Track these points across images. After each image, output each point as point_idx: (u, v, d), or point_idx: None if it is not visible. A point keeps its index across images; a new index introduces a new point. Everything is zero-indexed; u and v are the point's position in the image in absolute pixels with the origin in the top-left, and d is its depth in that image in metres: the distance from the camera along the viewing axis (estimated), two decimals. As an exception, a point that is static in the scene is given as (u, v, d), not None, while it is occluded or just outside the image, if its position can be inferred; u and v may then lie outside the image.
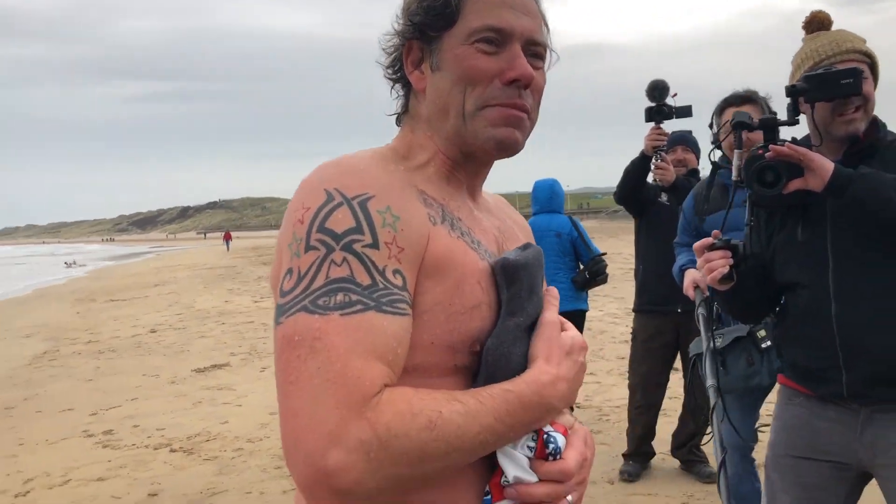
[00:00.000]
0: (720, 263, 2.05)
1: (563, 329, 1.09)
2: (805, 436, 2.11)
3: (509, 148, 1.08)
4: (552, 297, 1.12)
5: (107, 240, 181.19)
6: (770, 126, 2.07)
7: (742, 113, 2.21)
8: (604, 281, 5.22)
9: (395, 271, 0.93)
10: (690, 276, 3.13)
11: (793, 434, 2.15)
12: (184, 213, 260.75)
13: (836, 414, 2.07)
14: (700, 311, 2.80)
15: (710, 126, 3.45)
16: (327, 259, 0.91)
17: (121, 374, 8.58)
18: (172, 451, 5.46)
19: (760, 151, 2.01)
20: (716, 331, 2.70)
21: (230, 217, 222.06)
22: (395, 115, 1.16)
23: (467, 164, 1.11)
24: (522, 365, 1.01)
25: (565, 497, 1.00)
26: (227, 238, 52.04)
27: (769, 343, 2.61)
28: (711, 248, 2.08)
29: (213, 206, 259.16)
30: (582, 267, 5.21)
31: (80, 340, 11.63)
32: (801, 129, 2.14)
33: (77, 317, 15.27)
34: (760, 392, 3.09)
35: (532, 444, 0.98)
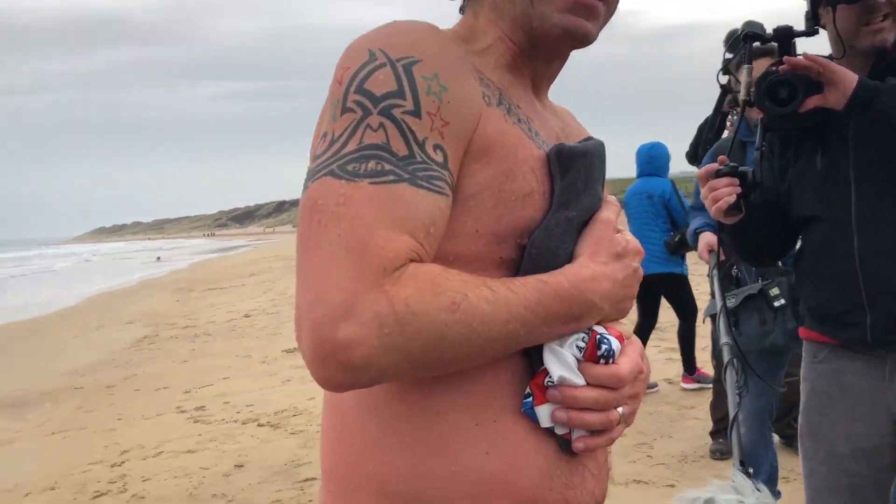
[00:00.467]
0: (726, 192, 1.83)
1: (618, 232, 0.97)
2: (835, 396, 1.89)
3: (580, 39, 0.97)
4: (612, 203, 1.01)
5: (208, 235, 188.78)
6: (785, 36, 1.84)
7: (753, 23, 1.96)
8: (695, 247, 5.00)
9: (437, 146, 0.83)
10: (705, 238, 2.97)
11: (821, 397, 1.92)
12: (280, 208, 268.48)
13: (865, 366, 1.84)
14: (714, 273, 2.58)
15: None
16: (363, 122, 0.82)
17: (214, 356, 8.82)
18: (260, 425, 5.53)
19: (774, 68, 1.78)
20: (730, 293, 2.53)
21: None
22: (460, 4, 1.04)
23: (535, 54, 1.00)
24: (569, 261, 0.91)
25: (615, 408, 0.88)
26: None
27: (783, 301, 2.43)
28: (717, 174, 1.86)
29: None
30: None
31: (178, 326, 12.05)
32: (822, 44, 1.86)
33: (177, 304, 15.85)
34: (778, 356, 2.88)
35: (582, 343, 0.86)
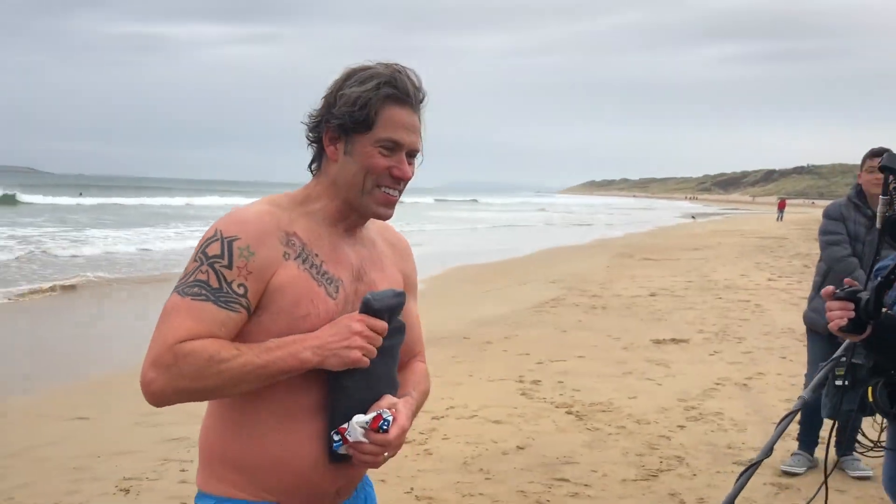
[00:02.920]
0: (838, 314, 2.05)
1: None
2: None
3: (386, 217, 1.69)
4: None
5: (690, 198, 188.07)
6: None
7: (893, 155, 2.07)
8: None
9: (240, 284, 1.51)
10: None
11: None
12: (768, 177, 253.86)
13: None
14: None
15: None
16: (199, 268, 1.52)
17: (590, 331, 9.22)
18: (568, 412, 5.79)
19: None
20: None
21: (816, 184, 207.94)
22: (309, 166, 1.69)
23: (350, 215, 1.67)
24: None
25: (382, 455, 1.57)
26: (781, 207, 48.29)
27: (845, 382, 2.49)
28: (835, 296, 2.07)
29: (799, 170, 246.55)
30: None
31: (588, 293, 12.70)
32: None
33: (604, 271, 16.58)
34: None
35: (369, 418, 1.55)
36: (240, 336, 1.53)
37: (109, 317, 10.77)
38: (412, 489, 4.27)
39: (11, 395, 6.32)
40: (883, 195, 2.06)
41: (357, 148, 1.61)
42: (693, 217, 45.28)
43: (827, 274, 4.59)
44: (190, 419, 5.53)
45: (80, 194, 56.36)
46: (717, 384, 6.66)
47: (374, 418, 1.55)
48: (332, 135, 1.62)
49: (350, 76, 1.63)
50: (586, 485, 4.38)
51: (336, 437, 1.56)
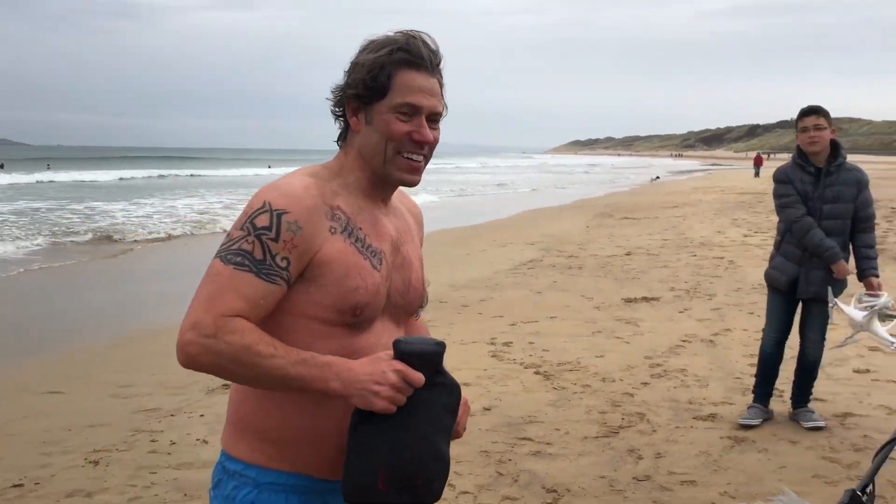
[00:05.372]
0: None
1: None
2: None
3: (413, 184, 1.68)
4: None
5: (676, 155, 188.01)
6: None
7: None
8: None
9: (284, 258, 1.53)
10: None
11: None
12: (752, 132, 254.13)
13: None
14: None
15: None
16: (245, 237, 1.53)
17: (565, 292, 9.33)
18: (536, 372, 5.90)
19: None
20: None
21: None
22: (337, 140, 1.71)
23: (381, 185, 1.69)
24: None
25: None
26: (758, 163, 47.70)
27: None
28: None
29: (783, 125, 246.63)
30: None
31: (564, 254, 12.80)
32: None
33: (583, 231, 16.67)
34: None
35: None
36: (290, 306, 1.57)
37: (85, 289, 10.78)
38: (378, 452, 4.36)
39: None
40: None
41: (376, 116, 1.62)
42: (657, 177, 45.03)
43: (787, 232, 4.69)
44: (162, 390, 5.61)
45: (48, 167, 54.14)
46: (684, 341, 6.79)
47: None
48: (352, 105, 1.64)
49: (366, 46, 1.64)
50: (548, 443, 4.50)
51: None
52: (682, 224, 17.33)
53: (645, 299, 8.71)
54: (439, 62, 1.66)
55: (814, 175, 4.57)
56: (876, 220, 4.82)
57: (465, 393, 5.55)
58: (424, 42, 1.64)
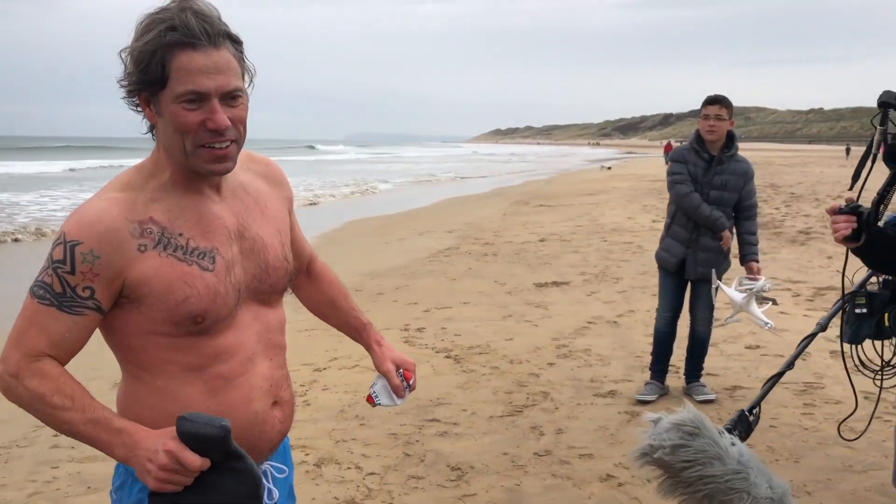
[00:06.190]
0: (842, 227, 2.34)
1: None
2: None
3: (224, 172, 1.56)
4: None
5: (593, 144, 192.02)
6: None
7: (890, 92, 2.35)
8: None
9: (86, 287, 1.47)
10: None
11: None
12: (665, 121, 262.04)
13: None
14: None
15: None
16: (46, 270, 1.49)
17: (477, 278, 9.50)
18: (447, 357, 6.03)
19: None
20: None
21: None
22: (149, 131, 1.58)
23: (197, 176, 1.56)
24: None
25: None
26: (667, 150, 49.18)
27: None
28: (839, 211, 2.36)
29: (694, 114, 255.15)
30: None
31: (480, 241, 13.00)
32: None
33: (500, 219, 16.94)
34: None
35: (388, 388, 1.97)
36: (133, 328, 1.52)
37: None
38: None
39: None
40: (881, 125, 2.34)
41: (163, 108, 1.47)
42: (608, 167, 44.61)
43: (675, 214, 4.94)
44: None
45: None
46: (590, 322, 7.04)
47: (395, 386, 1.93)
48: (142, 97, 1.50)
49: (137, 28, 1.47)
50: (455, 423, 4.63)
51: (371, 405, 1.98)
52: (595, 211, 17.81)
53: (555, 284, 8.96)
54: (220, 31, 1.47)
55: (706, 161, 4.85)
56: (760, 208, 5.16)
57: (364, 384, 5.62)
58: (198, 13, 1.44)
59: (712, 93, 4.90)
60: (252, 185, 1.70)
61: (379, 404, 1.96)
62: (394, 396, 1.96)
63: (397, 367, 1.96)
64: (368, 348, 2.01)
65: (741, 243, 4.92)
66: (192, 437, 1.39)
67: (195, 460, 1.38)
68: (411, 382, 1.97)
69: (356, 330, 2.04)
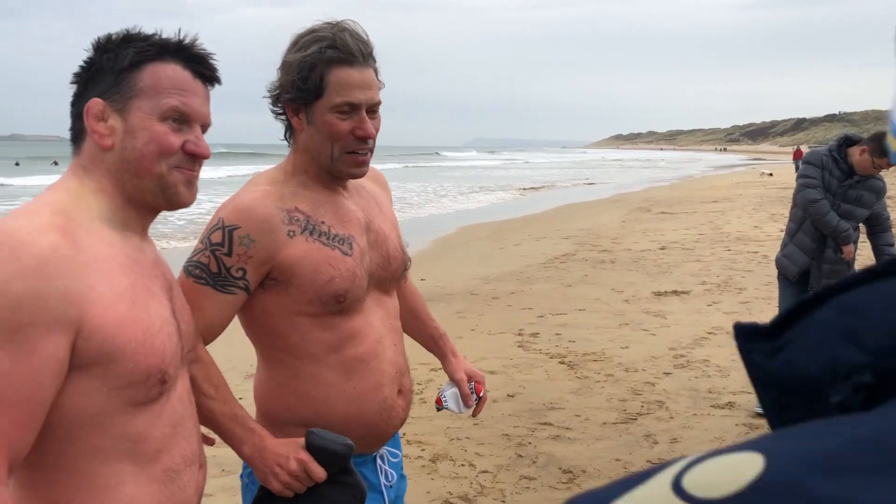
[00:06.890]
0: None
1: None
2: None
3: (361, 175, 1.76)
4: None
5: (720, 149, 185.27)
6: None
7: None
8: None
9: (239, 268, 1.63)
10: None
11: None
12: (798, 126, 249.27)
13: None
14: None
15: None
16: (203, 251, 1.64)
17: (595, 285, 9.44)
18: (561, 362, 6.06)
19: None
20: None
21: (848, 131, 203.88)
22: (284, 136, 1.77)
23: (334, 177, 1.75)
24: None
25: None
26: (797, 156, 46.31)
27: None
28: None
29: (830, 118, 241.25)
30: None
31: (598, 248, 12.88)
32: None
33: (619, 226, 16.70)
34: None
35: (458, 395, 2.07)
36: (277, 308, 1.67)
37: None
38: (404, 434, 4.56)
39: None
40: None
41: (316, 117, 1.65)
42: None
43: (803, 221, 4.79)
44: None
45: (17, 164, 49.73)
46: (710, 333, 6.89)
47: (465, 395, 2.04)
48: (291, 106, 1.67)
49: (295, 43, 1.64)
50: (567, 428, 4.67)
51: (438, 407, 2.08)
52: (719, 219, 17.25)
53: (675, 293, 8.79)
54: (370, 52, 1.66)
55: (844, 173, 4.67)
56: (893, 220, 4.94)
57: (490, 381, 5.75)
58: (353, 34, 1.63)
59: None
60: (367, 187, 1.89)
61: (445, 408, 2.08)
62: (461, 404, 2.07)
63: (469, 379, 2.08)
64: (443, 357, 2.13)
65: (878, 255, 4.73)
66: (320, 450, 1.54)
67: (321, 472, 1.54)
68: (482, 395, 2.09)
69: (433, 339, 2.16)
